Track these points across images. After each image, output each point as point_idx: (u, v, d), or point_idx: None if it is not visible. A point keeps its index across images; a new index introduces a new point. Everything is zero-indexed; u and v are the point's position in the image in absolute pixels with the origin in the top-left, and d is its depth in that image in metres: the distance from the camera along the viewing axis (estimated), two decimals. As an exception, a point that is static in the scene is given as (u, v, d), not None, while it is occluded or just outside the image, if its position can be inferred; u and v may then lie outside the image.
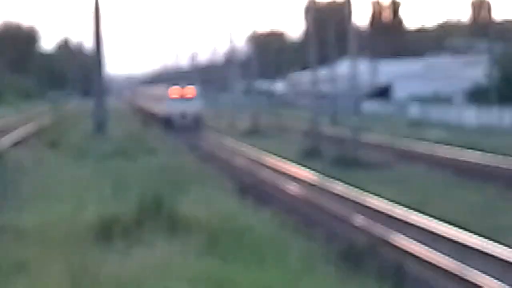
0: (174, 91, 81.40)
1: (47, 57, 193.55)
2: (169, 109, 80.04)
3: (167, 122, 78.31)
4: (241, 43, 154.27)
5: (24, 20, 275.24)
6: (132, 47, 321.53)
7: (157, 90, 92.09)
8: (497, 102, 78.30)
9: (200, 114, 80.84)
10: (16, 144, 39.92)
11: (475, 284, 18.71)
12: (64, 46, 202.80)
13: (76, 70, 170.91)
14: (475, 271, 19.67)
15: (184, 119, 78.52)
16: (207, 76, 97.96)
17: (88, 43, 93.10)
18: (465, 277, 19.26)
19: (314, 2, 76.85)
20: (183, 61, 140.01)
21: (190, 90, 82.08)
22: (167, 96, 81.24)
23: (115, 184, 20.94)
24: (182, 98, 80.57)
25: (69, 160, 32.35)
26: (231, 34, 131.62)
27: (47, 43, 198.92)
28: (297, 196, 33.42)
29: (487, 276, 19.25)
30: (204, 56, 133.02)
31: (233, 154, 51.49)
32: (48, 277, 10.42)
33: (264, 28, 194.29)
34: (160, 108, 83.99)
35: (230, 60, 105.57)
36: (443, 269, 20.29)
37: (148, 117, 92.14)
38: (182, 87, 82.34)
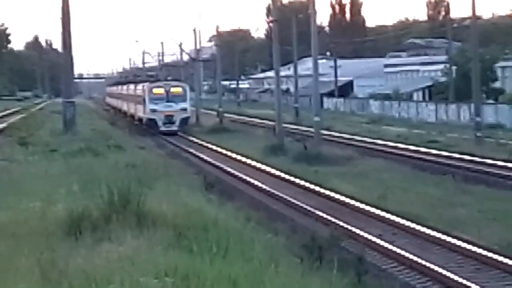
0: (158, 90, 66.04)
1: (17, 57, 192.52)
2: (152, 111, 64.88)
3: (150, 126, 65.45)
4: (206, 42, 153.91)
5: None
6: (100, 47, 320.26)
7: (136, 89, 76.36)
8: (454, 99, 78.75)
9: (189, 116, 67.80)
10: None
11: (432, 276, 18.89)
12: (34, 44, 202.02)
13: (46, 69, 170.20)
14: (426, 260, 19.87)
15: (171, 124, 64.48)
16: (173, 75, 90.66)
17: (58, 43, 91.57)
18: (417, 266, 19.45)
19: (276, 1, 76.61)
20: (150, 60, 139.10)
21: (177, 89, 66.74)
22: (148, 96, 65.41)
23: (84, 180, 20.91)
24: (168, 98, 65.39)
25: (38, 157, 32.24)
26: (196, 33, 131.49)
27: (17, 42, 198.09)
28: (261, 190, 33.49)
29: (445, 268, 19.41)
30: (170, 55, 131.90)
31: (199, 150, 51.44)
32: (18, 272, 10.39)
33: (228, 27, 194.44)
34: (141, 110, 69.36)
35: (196, 59, 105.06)
36: (399, 257, 20.46)
37: (123, 118, 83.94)
38: (168, 85, 67.38)
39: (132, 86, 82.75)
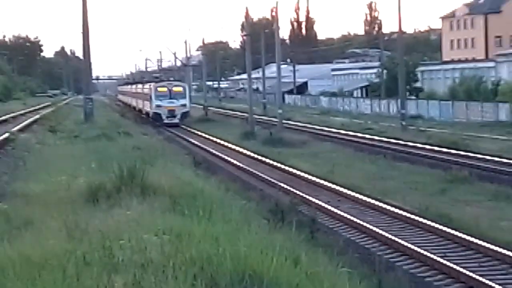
0: (162, 89, 62.59)
1: (47, 62, 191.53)
2: (157, 106, 61.40)
3: (155, 119, 61.86)
4: (195, 51, 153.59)
5: (30, 32, 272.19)
6: (112, 54, 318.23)
7: (144, 88, 72.67)
8: (385, 96, 78.97)
9: (188, 111, 63.63)
10: (23, 129, 39.42)
11: (367, 232, 18.99)
12: (61, 53, 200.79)
13: (70, 72, 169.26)
14: (363, 221, 19.97)
15: (173, 117, 60.92)
16: (169, 76, 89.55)
17: (79, 52, 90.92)
18: (356, 225, 19.53)
19: (248, 19, 76.44)
20: (151, 65, 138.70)
21: (178, 88, 63.52)
22: (154, 93, 61.96)
23: (100, 159, 20.81)
24: (170, 96, 61.68)
25: (64, 141, 32.08)
26: (187, 44, 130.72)
27: (48, 51, 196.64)
28: (237, 167, 33.52)
29: (376, 227, 19.49)
30: (167, 61, 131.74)
31: (189, 136, 51.34)
32: (49, 231, 10.38)
33: (212, 39, 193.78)
34: (148, 105, 65.74)
35: (186, 64, 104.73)
36: (344, 219, 20.56)
37: (134, 113, 78.93)
38: (170, 85, 63.93)
39: (140, 86, 78.89)
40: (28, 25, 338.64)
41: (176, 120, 60.91)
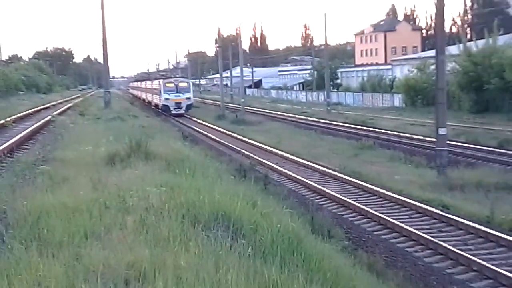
0: (170, 84, 54.26)
1: (77, 66, 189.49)
2: (166, 99, 53.30)
3: (164, 110, 53.29)
4: (182, 57, 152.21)
5: (65, 44, 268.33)
6: (124, 59, 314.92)
7: (153, 84, 64.01)
8: (316, 89, 79.12)
9: (192, 103, 55.02)
10: (61, 113, 38.88)
11: (303, 184, 19.07)
12: (87, 59, 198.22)
13: (94, 73, 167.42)
14: (300, 176, 20.03)
15: (179, 108, 52.66)
16: (173, 74, 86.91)
17: (100, 58, 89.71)
18: (296, 179, 19.59)
19: (220, 35, 75.89)
20: (151, 68, 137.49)
21: (183, 84, 54.86)
22: (163, 88, 53.97)
23: (116, 134, 20.60)
24: (177, 90, 53.37)
25: (90, 122, 31.68)
26: (176, 53, 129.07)
27: (78, 58, 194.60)
28: (213, 139, 33.49)
29: (310, 180, 19.57)
30: (164, 65, 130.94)
31: (179, 118, 51.01)
32: (79, 185, 10.28)
33: (194, 49, 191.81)
34: (157, 98, 57.59)
35: (176, 67, 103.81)
36: (287, 175, 20.63)
37: (139, 102, 72.82)
38: (177, 81, 55.40)
39: (149, 82, 70.86)
40: (64, 39, 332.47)
41: (182, 111, 52.72)
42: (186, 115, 52.09)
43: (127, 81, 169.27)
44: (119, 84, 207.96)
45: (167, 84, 53.97)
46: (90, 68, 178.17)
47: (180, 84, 54.03)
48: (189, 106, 53.40)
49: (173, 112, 52.25)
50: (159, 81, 58.43)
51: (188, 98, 53.51)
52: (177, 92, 53.22)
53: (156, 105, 58.26)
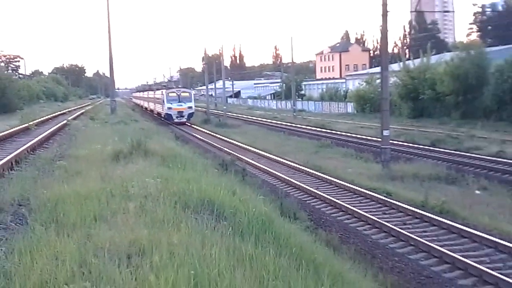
0: (172, 94, 48.16)
1: (88, 79, 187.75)
2: (169, 108, 47.22)
3: (166, 118, 47.64)
4: (175, 72, 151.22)
5: (78, 61, 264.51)
6: (126, 73, 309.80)
7: (156, 93, 57.36)
8: (284, 98, 79.20)
9: (193, 112, 48.42)
10: (75, 118, 38.36)
11: (274, 175, 19.04)
12: (97, 74, 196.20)
13: (102, 85, 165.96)
14: (272, 169, 19.99)
15: (181, 116, 46.83)
16: (175, 85, 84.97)
17: (107, 73, 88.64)
18: (268, 172, 19.55)
19: (206, 54, 75.44)
20: (149, 81, 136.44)
21: (185, 94, 48.58)
22: (166, 97, 47.90)
23: (120, 135, 20.40)
24: (179, 99, 47.33)
25: (99, 125, 31.32)
26: (170, 69, 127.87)
27: (89, 72, 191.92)
28: (200, 139, 33.36)
29: (279, 173, 19.53)
30: (159, 78, 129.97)
31: (172, 123, 50.60)
32: (90, 177, 10.16)
33: (185, 65, 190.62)
34: (160, 107, 50.82)
35: (170, 80, 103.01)
36: (261, 169, 20.60)
37: (140, 110, 66.58)
38: (179, 91, 49.29)
39: (152, 92, 62.60)
40: (77, 56, 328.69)
41: (184, 119, 46.87)
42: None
43: (129, 91, 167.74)
44: (123, 94, 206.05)
45: (170, 94, 48.41)
46: (99, 81, 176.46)
47: (182, 94, 48.34)
48: (190, 115, 47.85)
49: (176, 120, 46.72)
50: (162, 91, 52.15)
51: (190, 107, 47.78)
52: (179, 102, 47.53)
53: (159, 114, 52.11)
